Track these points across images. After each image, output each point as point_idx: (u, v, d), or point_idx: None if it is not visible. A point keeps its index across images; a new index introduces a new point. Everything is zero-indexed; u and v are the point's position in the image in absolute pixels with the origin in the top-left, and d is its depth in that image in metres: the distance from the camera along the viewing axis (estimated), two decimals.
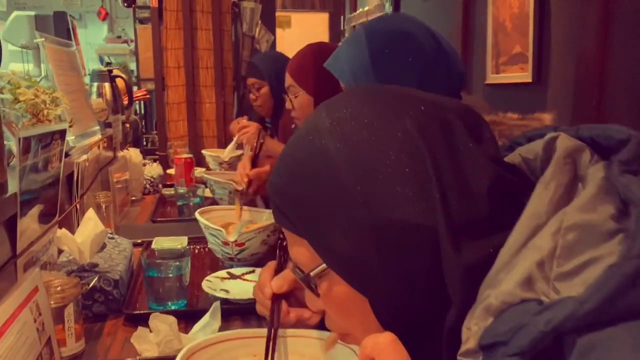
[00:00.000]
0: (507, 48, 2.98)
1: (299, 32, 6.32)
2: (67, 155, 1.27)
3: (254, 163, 1.50)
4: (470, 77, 3.33)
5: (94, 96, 2.37)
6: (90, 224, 1.25)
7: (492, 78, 3.15)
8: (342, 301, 0.57)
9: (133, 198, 2.20)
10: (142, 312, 1.09)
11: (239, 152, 2.37)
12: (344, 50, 1.10)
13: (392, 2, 4.71)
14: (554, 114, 1.08)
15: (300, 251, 0.58)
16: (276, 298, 0.82)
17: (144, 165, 2.43)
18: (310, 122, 0.59)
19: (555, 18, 2.62)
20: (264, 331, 0.79)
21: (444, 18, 3.62)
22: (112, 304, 1.12)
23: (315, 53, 1.69)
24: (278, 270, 0.85)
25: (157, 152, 3.04)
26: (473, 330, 0.48)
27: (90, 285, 1.07)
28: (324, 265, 0.56)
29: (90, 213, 1.30)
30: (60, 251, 1.23)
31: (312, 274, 0.57)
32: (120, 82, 2.63)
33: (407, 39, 1.03)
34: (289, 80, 1.70)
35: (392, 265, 0.52)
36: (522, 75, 2.83)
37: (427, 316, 0.54)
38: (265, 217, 1.49)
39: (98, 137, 1.91)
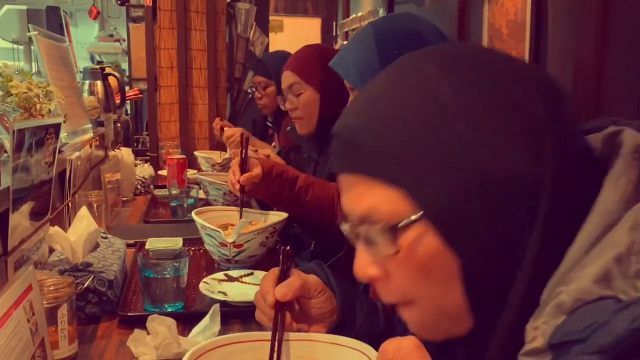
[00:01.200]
0: None
1: (291, 37, 6.29)
2: (59, 151, 1.23)
3: (243, 168, 1.45)
4: None
5: (85, 94, 2.32)
6: (84, 222, 1.21)
7: None
8: (426, 259, 0.52)
9: (124, 198, 2.15)
10: (137, 314, 1.06)
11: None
12: (350, 50, 1.07)
13: (386, 8, 4.71)
14: None
15: (380, 201, 0.53)
16: (280, 306, 0.78)
17: (135, 165, 2.39)
18: (405, 64, 0.57)
19: (552, 25, 2.62)
20: (268, 334, 0.76)
21: (439, 23, 3.61)
22: (106, 305, 1.08)
23: (319, 50, 1.68)
24: (281, 277, 0.82)
25: (148, 153, 2.99)
26: (542, 328, 0.46)
27: (85, 285, 1.03)
28: (414, 216, 0.51)
29: (84, 211, 1.25)
30: (51, 250, 1.18)
31: (399, 225, 0.51)
32: (112, 81, 2.59)
33: (417, 38, 1.01)
34: (291, 78, 1.67)
35: (493, 220, 0.50)
36: None
37: (502, 282, 0.51)
38: (263, 218, 1.45)
39: (90, 135, 1.86)
